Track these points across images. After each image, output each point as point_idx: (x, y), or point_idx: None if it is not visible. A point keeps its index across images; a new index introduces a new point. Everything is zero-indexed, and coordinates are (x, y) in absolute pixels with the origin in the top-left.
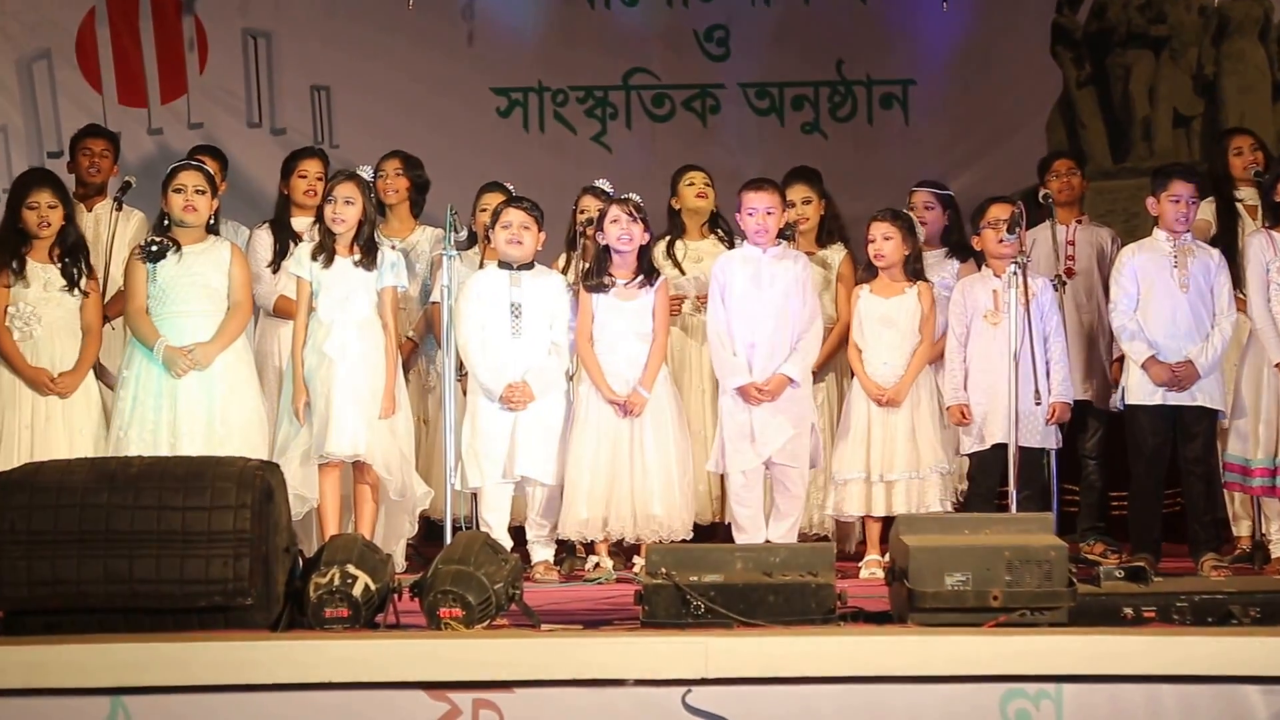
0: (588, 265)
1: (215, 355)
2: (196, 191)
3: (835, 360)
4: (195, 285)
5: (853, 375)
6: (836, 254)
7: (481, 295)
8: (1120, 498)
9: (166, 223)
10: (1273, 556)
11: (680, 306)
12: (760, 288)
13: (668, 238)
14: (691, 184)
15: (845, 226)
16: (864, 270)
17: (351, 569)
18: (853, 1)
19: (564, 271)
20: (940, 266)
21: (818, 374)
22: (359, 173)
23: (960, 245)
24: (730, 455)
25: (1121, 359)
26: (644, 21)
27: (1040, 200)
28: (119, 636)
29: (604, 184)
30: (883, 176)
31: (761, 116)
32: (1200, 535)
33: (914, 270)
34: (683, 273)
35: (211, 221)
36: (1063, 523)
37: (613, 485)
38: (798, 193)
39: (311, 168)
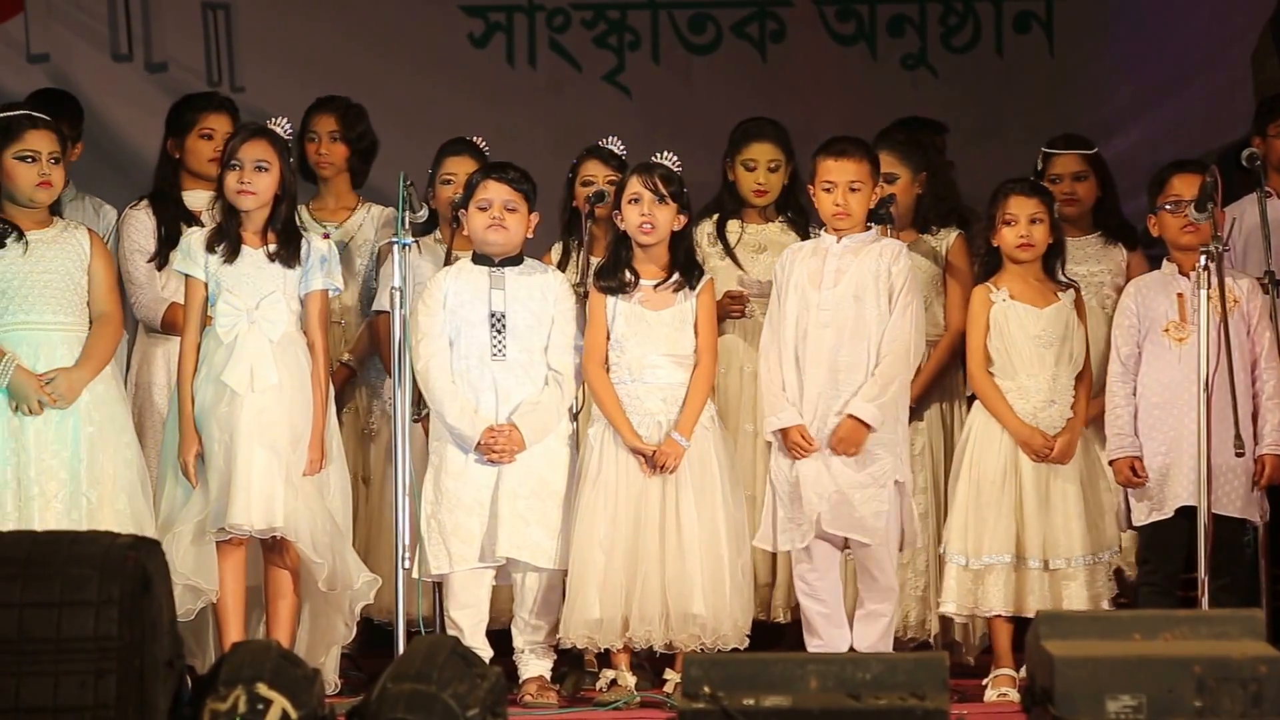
0: (600, 259)
1: (83, 387)
2: (52, 160)
3: (944, 384)
4: (49, 287)
5: (968, 407)
6: (945, 238)
7: (449, 302)
8: None
9: None
10: None
11: (742, 308)
12: (819, 288)
13: (716, 216)
14: (751, 166)
15: (962, 204)
16: (983, 263)
17: (263, 689)
18: None
19: (561, 267)
20: (1099, 256)
21: (916, 408)
22: (272, 127)
23: (1122, 228)
24: (782, 526)
25: None
26: None
27: (1245, 163)
28: None
29: (614, 143)
30: (1017, 128)
31: (845, 46)
32: None
33: (1055, 268)
34: (738, 264)
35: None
36: (1278, 624)
37: (637, 571)
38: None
39: (220, 124)
